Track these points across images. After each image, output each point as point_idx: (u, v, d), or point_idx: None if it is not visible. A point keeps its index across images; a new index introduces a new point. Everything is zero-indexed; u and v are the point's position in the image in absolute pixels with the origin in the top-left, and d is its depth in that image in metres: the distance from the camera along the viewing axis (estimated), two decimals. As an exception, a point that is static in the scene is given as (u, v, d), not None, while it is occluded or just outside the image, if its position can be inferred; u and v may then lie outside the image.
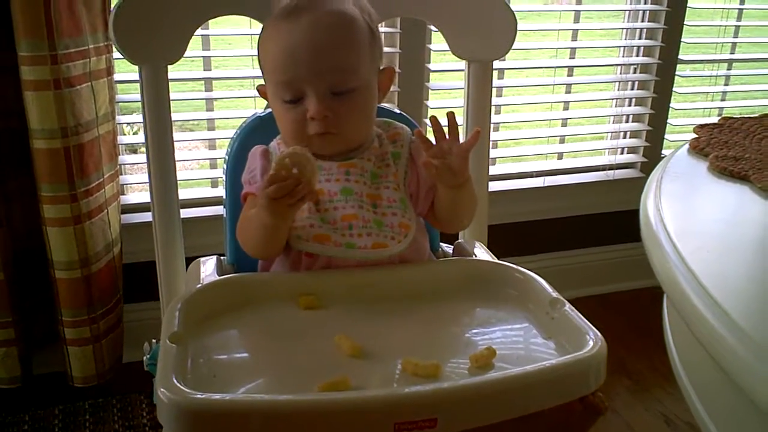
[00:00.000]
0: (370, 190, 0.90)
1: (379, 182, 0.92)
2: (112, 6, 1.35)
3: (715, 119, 1.06)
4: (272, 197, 0.80)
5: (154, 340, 1.03)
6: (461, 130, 1.10)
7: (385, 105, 1.03)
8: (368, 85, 0.91)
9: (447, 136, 0.86)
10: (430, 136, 0.88)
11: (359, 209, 0.88)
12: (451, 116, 0.88)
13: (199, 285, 0.84)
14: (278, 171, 0.79)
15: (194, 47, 1.01)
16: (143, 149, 1.05)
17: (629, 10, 1.96)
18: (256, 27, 1.01)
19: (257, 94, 0.97)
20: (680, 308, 0.61)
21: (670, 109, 2.04)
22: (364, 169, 0.91)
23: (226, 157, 1.03)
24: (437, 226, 1.00)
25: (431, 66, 1.75)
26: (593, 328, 0.75)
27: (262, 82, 0.96)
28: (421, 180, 0.94)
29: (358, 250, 0.87)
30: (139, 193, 1.69)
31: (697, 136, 0.99)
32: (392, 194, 0.91)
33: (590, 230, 2.04)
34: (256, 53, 0.95)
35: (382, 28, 1.60)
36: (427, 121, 1.78)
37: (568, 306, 0.80)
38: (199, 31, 1.04)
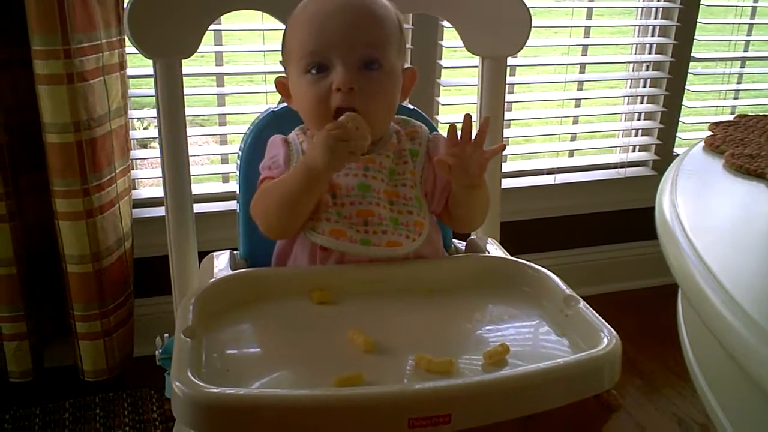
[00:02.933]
0: (387, 187, 0.90)
1: (397, 179, 0.92)
2: (126, 1, 1.36)
3: (728, 117, 1.05)
4: (338, 138, 0.81)
5: (166, 335, 1.03)
6: (474, 126, 1.11)
7: (403, 103, 1.02)
8: (394, 70, 0.91)
9: (472, 139, 0.86)
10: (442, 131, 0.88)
11: (376, 206, 0.88)
12: (484, 122, 0.88)
13: (213, 279, 0.84)
14: (342, 123, 0.82)
15: (206, 42, 1.02)
16: (154, 144, 1.05)
17: (642, 8, 1.96)
18: (269, 22, 1.02)
19: (268, 90, 0.97)
20: (695, 303, 0.61)
21: (683, 107, 2.03)
22: (382, 165, 0.91)
23: (240, 152, 1.03)
24: (450, 224, 1.00)
25: (443, 62, 1.74)
26: (607, 325, 0.75)
27: (274, 77, 0.96)
28: (438, 179, 0.93)
29: (373, 247, 0.87)
30: (150, 188, 1.69)
31: (712, 133, 0.98)
32: (408, 192, 0.92)
33: (601, 228, 2.03)
34: (271, 48, 0.95)
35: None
36: (439, 117, 1.78)
37: (582, 303, 0.80)
38: (211, 27, 1.05)
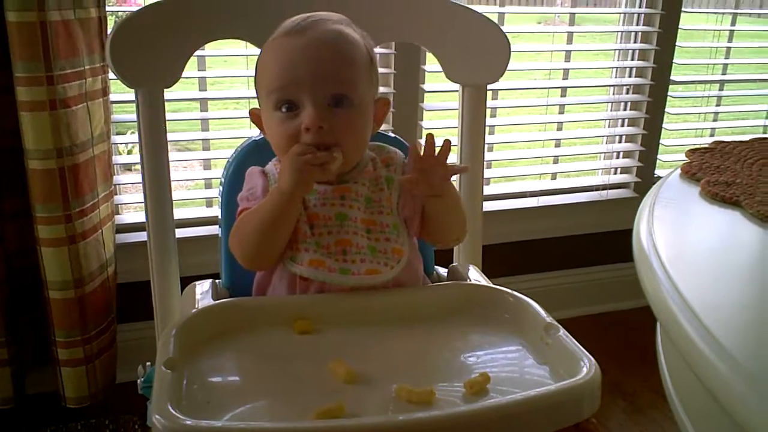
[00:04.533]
0: (364, 215, 0.91)
1: (374, 207, 0.92)
2: (109, 28, 1.36)
3: (707, 140, 1.07)
4: (298, 153, 0.83)
5: (148, 363, 1.03)
6: (455, 151, 1.12)
7: (380, 130, 1.03)
8: (364, 104, 0.91)
9: (436, 156, 0.88)
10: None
11: (353, 235, 0.89)
12: (447, 143, 0.89)
13: (194, 310, 0.84)
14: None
15: (190, 67, 1.02)
16: (138, 167, 1.05)
17: (621, 32, 1.98)
18: (252, 48, 1.02)
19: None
20: (672, 336, 0.61)
21: (663, 129, 2.06)
22: (358, 194, 0.92)
23: (222, 179, 1.03)
24: (430, 241, 1.00)
25: (425, 86, 1.76)
26: (587, 354, 0.76)
27: (257, 103, 0.96)
28: (416, 202, 0.94)
29: (352, 276, 0.87)
30: (134, 213, 1.69)
31: (688, 160, 1.00)
32: (386, 219, 0.92)
33: (584, 250, 2.05)
34: (253, 74, 0.95)
35: (378, 49, 1.61)
36: (423, 141, 1.78)
37: (562, 331, 0.80)
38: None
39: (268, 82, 0.90)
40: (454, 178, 0.94)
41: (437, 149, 0.89)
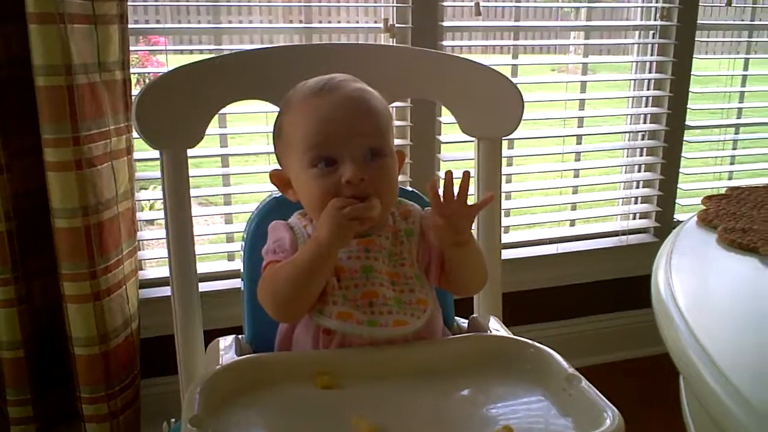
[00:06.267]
0: (388, 268, 0.92)
1: (395, 260, 0.94)
2: (133, 90, 1.41)
3: (726, 183, 1.08)
4: (338, 207, 0.85)
5: (173, 420, 1.03)
6: (472, 200, 1.14)
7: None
8: (393, 155, 0.94)
9: (456, 196, 0.88)
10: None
11: (379, 287, 0.90)
12: (466, 177, 0.90)
13: (218, 367, 0.85)
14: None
15: (211, 124, 1.06)
16: (161, 222, 1.07)
17: (635, 79, 2.01)
18: (272, 105, 1.05)
19: (271, 169, 0.99)
20: (694, 387, 0.61)
21: (680, 174, 2.06)
22: (382, 246, 0.93)
23: (245, 235, 1.05)
24: (450, 290, 1.01)
25: (442, 138, 1.79)
26: (610, 404, 0.76)
27: (276, 159, 0.99)
28: (432, 251, 0.95)
29: (380, 328, 0.88)
30: (157, 268, 1.71)
31: (705, 207, 1.00)
32: (408, 270, 0.93)
33: (605, 296, 2.04)
34: (272, 136, 0.98)
35: (395, 102, 1.65)
36: (440, 191, 1.80)
37: (584, 382, 0.80)
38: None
39: (301, 140, 0.91)
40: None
41: (456, 186, 0.89)
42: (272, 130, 0.99)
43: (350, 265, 0.91)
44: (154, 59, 2.41)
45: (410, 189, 1.10)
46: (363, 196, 0.88)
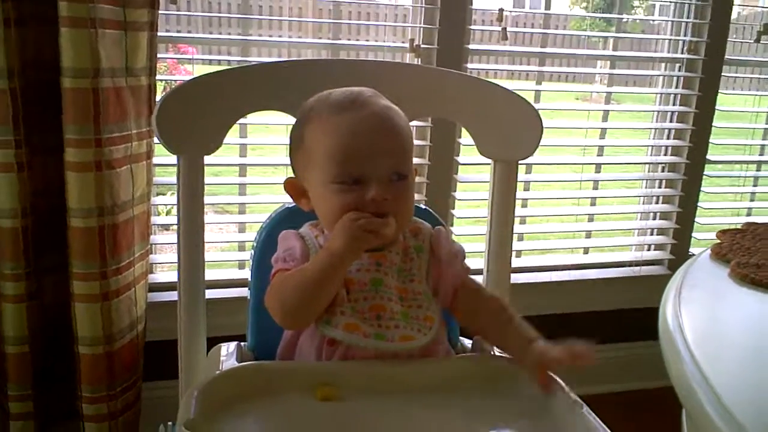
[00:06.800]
0: (397, 283, 0.92)
1: (405, 276, 0.93)
2: (157, 95, 1.42)
3: (743, 218, 1.07)
4: (353, 219, 0.86)
5: (170, 423, 1.03)
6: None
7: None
8: (414, 176, 0.95)
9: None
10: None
11: (388, 301, 0.90)
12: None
13: (218, 372, 0.85)
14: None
15: (231, 134, 1.06)
16: (176, 228, 1.08)
17: (658, 111, 2.00)
18: (292, 117, 1.06)
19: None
20: (697, 422, 0.60)
21: (698, 207, 2.04)
22: (392, 262, 0.93)
23: (255, 244, 1.06)
24: (459, 322, 1.01)
25: (460, 159, 1.79)
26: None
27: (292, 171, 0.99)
28: (443, 276, 0.95)
29: (386, 342, 0.88)
30: (167, 272, 1.72)
31: (719, 241, 0.99)
32: (417, 287, 0.93)
33: (614, 326, 2.02)
34: (290, 145, 0.98)
35: (415, 122, 1.65)
36: (455, 212, 1.80)
37: (585, 409, 0.80)
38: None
39: (325, 155, 0.91)
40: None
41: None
42: (289, 139, 0.99)
43: (360, 277, 0.91)
44: (182, 68, 2.43)
45: (423, 207, 1.10)
46: (381, 213, 0.88)
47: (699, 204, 2.04)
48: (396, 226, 0.89)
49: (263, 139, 1.92)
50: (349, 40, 1.80)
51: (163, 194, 2.38)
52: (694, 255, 0.94)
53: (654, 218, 2.06)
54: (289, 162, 1.00)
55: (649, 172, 2.04)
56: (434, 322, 0.92)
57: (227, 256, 1.95)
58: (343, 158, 0.89)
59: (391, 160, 0.90)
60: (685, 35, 1.95)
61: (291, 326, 0.94)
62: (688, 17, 1.94)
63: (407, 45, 1.69)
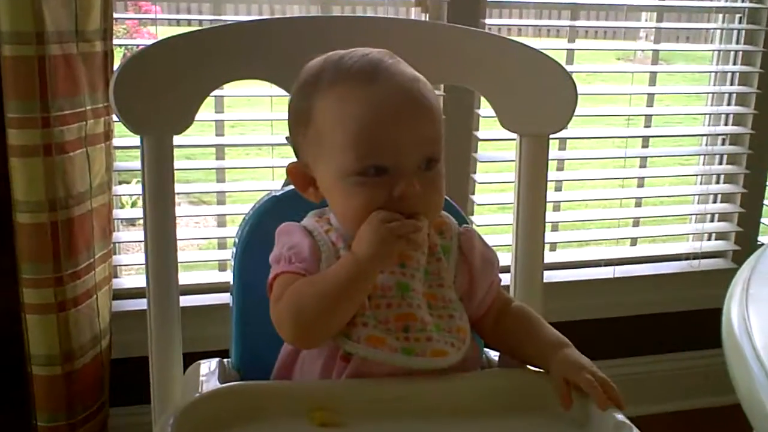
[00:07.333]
0: (424, 288, 0.92)
1: (432, 279, 0.93)
2: (116, 64, 1.42)
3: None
4: (383, 220, 0.84)
5: (142, 456, 1.04)
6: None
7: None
8: (442, 162, 0.93)
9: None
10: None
11: (417, 309, 0.89)
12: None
13: (197, 395, 0.85)
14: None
15: (205, 108, 1.06)
16: (141, 223, 1.08)
17: (716, 72, 1.99)
18: (278, 88, 1.05)
19: (276, 165, 0.98)
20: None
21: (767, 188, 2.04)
22: (418, 263, 0.92)
23: (236, 240, 1.06)
24: (486, 340, 1.01)
25: (479, 134, 1.78)
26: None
27: (282, 150, 0.98)
28: (475, 281, 0.95)
29: (416, 357, 0.87)
30: (135, 276, 1.73)
31: (794, 227, 0.99)
32: (447, 293, 0.93)
33: (670, 332, 2.02)
34: (279, 117, 0.97)
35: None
36: (475, 197, 1.80)
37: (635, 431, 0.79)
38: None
39: (344, 138, 0.88)
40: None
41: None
42: (288, 111, 0.96)
43: (383, 281, 0.90)
44: (145, 30, 2.44)
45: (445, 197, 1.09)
46: (411, 212, 0.87)
47: (768, 183, 2.04)
48: (428, 229, 0.88)
49: (244, 115, 1.92)
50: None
51: (127, 183, 2.38)
52: (763, 245, 0.93)
53: (714, 201, 2.06)
54: (275, 141, 0.99)
55: (707, 145, 2.03)
56: (467, 334, 0.92)
57: (205, 255, 1.95)
58: (369, 145, 0.87)
59: (423, 147, 0.88)
60: (747, -21, 1.94)
61: (305, 344, 0.92)
62: (750, -43, 1.93)
63: (412, -2, 1.69)
